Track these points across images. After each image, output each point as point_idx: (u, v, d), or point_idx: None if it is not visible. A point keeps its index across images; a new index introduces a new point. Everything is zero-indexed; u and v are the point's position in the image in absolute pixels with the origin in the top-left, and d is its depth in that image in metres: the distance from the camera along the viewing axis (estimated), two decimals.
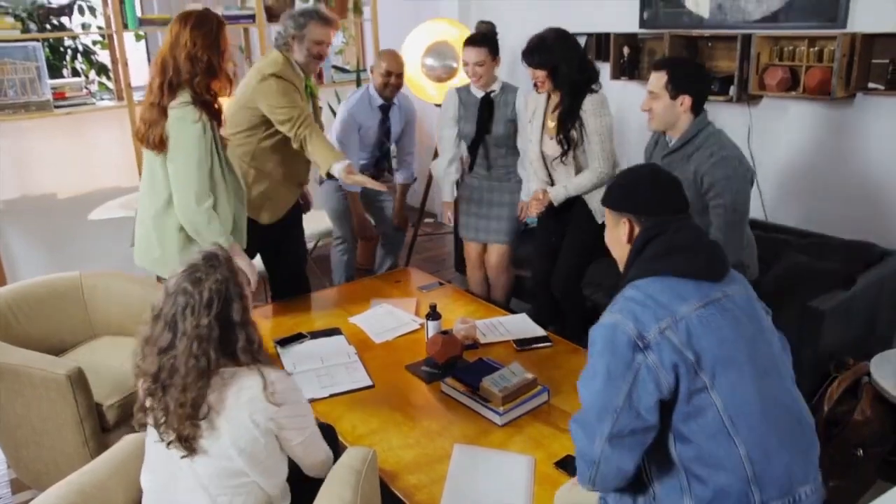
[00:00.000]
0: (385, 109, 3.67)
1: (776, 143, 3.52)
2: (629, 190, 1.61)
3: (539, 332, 2.75)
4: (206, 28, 2.34)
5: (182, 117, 2.33)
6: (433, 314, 2.61)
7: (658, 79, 2.45)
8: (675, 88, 2.41)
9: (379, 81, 3.59)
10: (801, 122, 3.42)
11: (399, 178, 3.95)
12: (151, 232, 2.50)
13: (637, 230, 1.56)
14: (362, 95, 3.65)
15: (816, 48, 3.21)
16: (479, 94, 3.23)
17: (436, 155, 4.44)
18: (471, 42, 3.18)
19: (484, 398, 2.24)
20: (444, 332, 2.55)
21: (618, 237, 1.61)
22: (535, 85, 2.95)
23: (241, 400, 1.54)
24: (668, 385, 1.39)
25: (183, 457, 1.55)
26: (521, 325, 2.82)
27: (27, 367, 2.30)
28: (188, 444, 1.53)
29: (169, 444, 1.55)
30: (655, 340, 1.39)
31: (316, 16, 2.95)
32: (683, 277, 1.47)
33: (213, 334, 1.53)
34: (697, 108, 2.47)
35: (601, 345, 1.45)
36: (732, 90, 3.43)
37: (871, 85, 3.14)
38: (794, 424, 1.47)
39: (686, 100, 2.41)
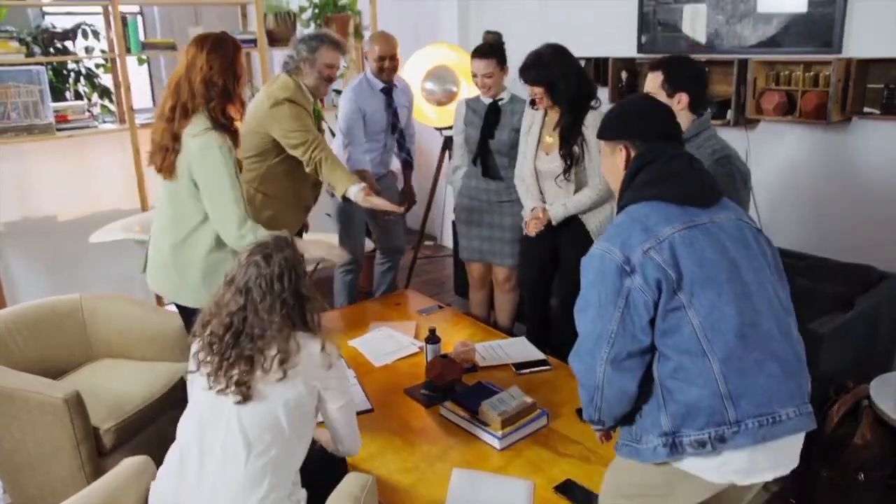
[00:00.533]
0: (388, 92, 3.62)
1: (773, 167, 3.55)
2: (624, 118, 1.68)
3: (538, 355, 2.75)
4: (222, 52, 2.30)
5: (207, 145, 2.26)
6: (432, 338, 2.61)
7: (654, 79, 2.40)
8: (671, 87, 2.35)
9: (374, 66, 3.55)
10: (797, 145, 3.45)
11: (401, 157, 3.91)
12: (168, 259, 2.42)
13: (633, 154, 1.62)
14: (360, 83, 3.59)
15: (812, 73, 3.24)
16: (487, 100, 3.25)
17: (436, 180, 4.47)
18: (478, 54, 3.18)
19: (483, 422, 2.24)
20: (444, 356, 2.55)
21: (615, 165, 1.67)
22: (533, 101, 2.96)
23: (301, 360, 1.72)
24: (654, 303, 1.46)
25: (237, 402, 1.69)
26: (521, 348, 2.82)
27: (24, 391, 2.29)
28: (246, 389, 1.69)
29: (220, 391, 1.70)
30: (640, 261, 1.46)
31: (327, 40, 2.99)
32: (672, 203, 1.53)
33: (287, 301, 1.73)
34: (695, 106, 2.39)
35: (592, 275, 1.52)
36: (730, 114, 3.46)
37: (866, 109, 3.17)
38: (780, 347, 1.48)
39: (683, 98, 2.36)
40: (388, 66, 3.55)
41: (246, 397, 1.69)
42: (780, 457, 1.49)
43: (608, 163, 1.70)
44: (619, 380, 1.49)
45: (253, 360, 1.70)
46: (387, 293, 3.82)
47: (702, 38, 3.74)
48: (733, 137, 3.63)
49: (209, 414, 1.74)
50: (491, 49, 3.20)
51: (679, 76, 2.37)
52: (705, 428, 1.43)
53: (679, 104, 2.37)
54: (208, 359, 1.74)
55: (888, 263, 3.05)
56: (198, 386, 1.78)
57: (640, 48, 4.02)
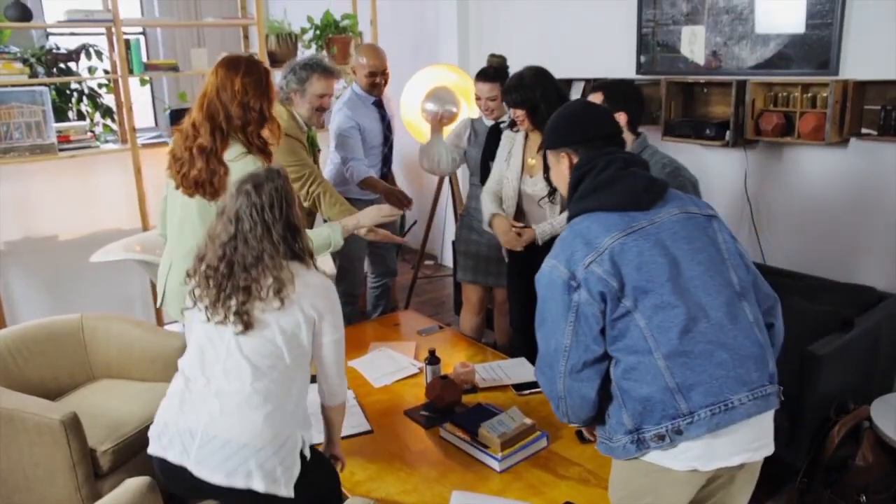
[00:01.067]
0: (379, 105, 3.62)
1: (772, 187, 3.56)
2: (562, 126, 1.75)
3: None
4: (256, 76, 2.30)
5: (247, 169, 2.19)
6: (432, 359, 2.61)
7: (594, 99, 2.49)
8: (611, 106, 2.39)
9: (365, 82, 3.50)
10: (796, 166, 3.46)
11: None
12: None
13: (575, 161, 1.70)
14: (351, 100, 3.54)
15: (810, 94, 3.26)
16: (489, 122, 3.27)
17: (437, 199, 4.48)
18: (484, 77, 3.19)
19: (483, 444, 2.23)
20: (443, 377, 2.54)
21: (561, 173, 1.75)
22: (513, 123, 2.96)
23: (297, 288, 1.77)
24: (602, 313, 1.53)
25: (237, 332, 1.75)
26: (520, 368, 2.81)
27: (21, 412, 2.29)
28: (245, 318, 1.74)
29: (220, 322, 1.76)
30: (584, 276, 1.52)
31: (318, 68, 2.92)
32: (611, 211, 1.58)
33: (278, 230, 1.76)
34: (633, 126, 2.52)
35: (543, 291, 1.61)
36: (728, 135, 3.47)
37: (864, 130, 3.19)
38: (729, 335, 1.52)
39: (622, 117, 2.42)
40: (379, 80, 3.52)
41: (247, 326, 1.74)
42: (740, 441, 1.52)
43: (556, 172, 1.78)
44: (579, 389, 1.57)
45: (250, 290, 1.74)
46: (381, 315, 3.80)
47: (700, 60, 3.77)
48: (732, 158, 3.66)
49: (208, 344, 1.80)
50: (496, 72, 3.21)
51: (618, 97, 2.50)
52: (662, 422, 1.49)
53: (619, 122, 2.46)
54: (205, 292, 1.78)
55: (887, 284, 3.06)
56: (196, 320, 1.84)
57: (640, 69, 4.05)
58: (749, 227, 3.64)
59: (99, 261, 3.36)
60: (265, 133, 2.34)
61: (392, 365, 2.85)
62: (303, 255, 1.83)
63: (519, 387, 2.67)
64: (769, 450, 1.59)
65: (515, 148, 3.02)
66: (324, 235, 2.54)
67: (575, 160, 1.70)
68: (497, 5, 4.92)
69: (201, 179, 2.25)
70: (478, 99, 3.24)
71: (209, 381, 1.77)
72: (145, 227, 4.01)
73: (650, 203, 1.59)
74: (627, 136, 2.48)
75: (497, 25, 4.95)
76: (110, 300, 4.08)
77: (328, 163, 3.68)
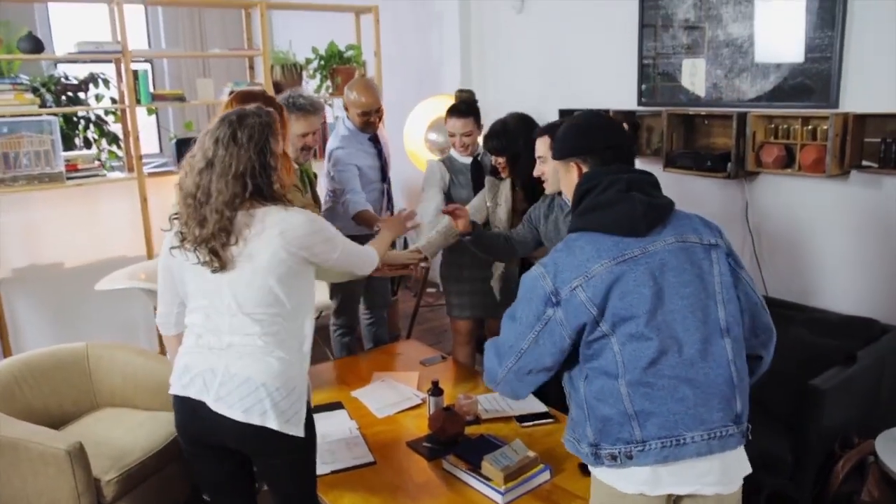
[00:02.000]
0: (375, 140, 3.52)
1: (774, 219, 3.58)
2: (573, 136, 1.77)
3: (541, 407, 2.74)
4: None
5: None
6: (435, 390, 2.61)
7: (542, 143, 2.45)
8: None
9: (359, 121, 3.38)
10: (797, 198, 3.48)
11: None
12: None
13: (584, 171, 1.73)
14: (346, 139, 3.40)
15: (810, 127, 3.30)
16: (467, 160, 3.22)
17: None
18: (457, 113, 3.14)
19: (485, 477, 2.23)
20: (447, 409, 2.54)
21: (571, 182, 1.77)
22: (495, 170, 2.92)
23: (273, 231, 1.77)
24: (570, 337, 1.58)
25: (214, 271, 1.77)
26: (523, 400, 2.81)
27: (26, 441, 2.30)
28: (218, 257, 1.75)
29: (203, 263, 1.77)
30: (567, 297, 1.56)
31: (294, 109, 2.77)
32: (606, 233, 1.60)
33: (251, 165, 1.75)
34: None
35: (523, 292, 1.65)
36: (730, 167, 3.50)
37: (864, 163, 3.21)
38: (699, 372, 1.54)
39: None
40: (373, 119, 3.40)
41: (223, 264, 1.76)
42: (689, 474, 1.55)
43: (566, 181, 1.81)
44: (516, 387, 1.69)
45: (225, 229, 1.74)
46: (375, 347, 3.75)
47: (701, 92, 3.82)
48: (733, 190, 3.69)
49: (209, 304, 1.84)
50: (468, 108, 3.16)
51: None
52: (616, 444, 1.55)
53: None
54: (188, 225, 1.78)
55: (890, 316, 3.06)
56: (186, 265, 1.84)
57: (641, 101, 4.10)
58: (751, 258, 3.66)
59: (104, 289, 3.38)
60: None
61: (395, 395, 2.85)
62: (278, 194, 1.83)
63: (521, 418, 2.67)
64: (724, 488, 1.59)
65: (502, 196, 2.98)
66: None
67: (585, 170, 1.73)
68: (499, 36, 4.99)
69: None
70: (451, 136, 3.18)
71: (219, 337, 1.84)
72: (150, 255, 4.04)
73: (648, 229, 1.60)
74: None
75: (499, 56, 5.02)
76: (114, 327, 4.09)
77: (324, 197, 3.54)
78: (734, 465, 1.60)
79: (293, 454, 1.89)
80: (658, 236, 1.60)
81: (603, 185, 1.64)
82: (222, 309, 1.82)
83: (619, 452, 1.54)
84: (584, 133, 1.76)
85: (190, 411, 1.86)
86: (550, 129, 2.47)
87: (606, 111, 4.11)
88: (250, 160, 1.76)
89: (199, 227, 1.76)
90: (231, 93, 2.43)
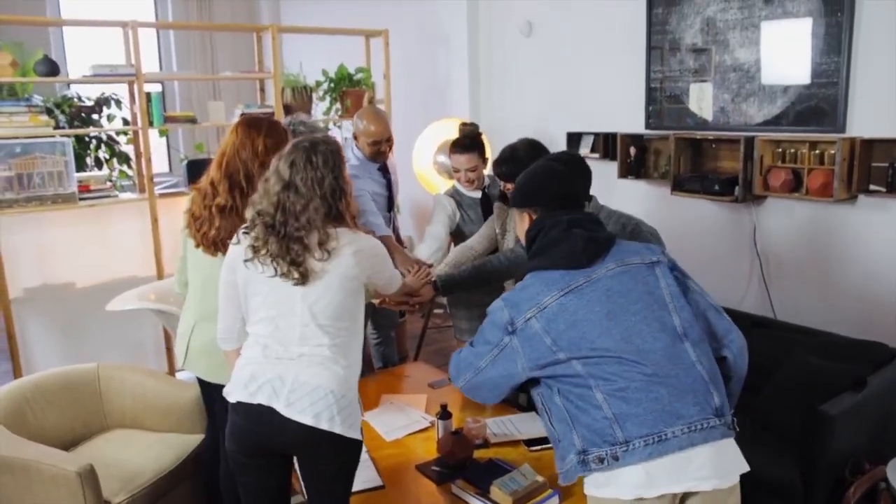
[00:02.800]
0: (384, 169, 3.51)
1: (782, 242, 3.59)
2: (525, 188, 1.93)
3: None
4: (276, 137, 2.35)
5: None
6: (444, 413, 2.61)
7: None
8: None
9: (369, 150, 3.36)
10: (805, 221, 3.49)
11: None
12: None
13: (534, 217, 1.88)
14: (355, 168, 3.32)
15: (818, 151, 3.32)
16: (475, 194, 3.22)
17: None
18: (461, 148, 3.13)
19: (494, 501, 2.22)
20: (455, 433, 2.54)
21: (524, 228, 1.93)
22: (504, 195, 2.90)
23: (347, 250, 1.93)
24: (525, 365, 1.73)
25: (295, 283, 1.88)
26: (531, 423, 2.80)
27: (37, 463, 2.31)
28: (300, 271, 1.87)
29: (282, 274, 1.88)
30: (521, 327, 1.73)
31: (294, 137, 2.80)
32: (553, 269, 1.75)
33: (330, 188, 1.91)
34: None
35: (488, 319, 1.83)
36: (737, 191, 3.52)
37: (872, 187, 3.23)
38: (667, 373, 1.64)
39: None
40: (384, 148, 3.38)
41: (304, 276, 1.88)
42: (679, 471, 1.60)
43: (520, 227, 1.96)
44: (480, 394, 1.89)
45: (302, 240, 1.87)
46: (384, 368, 3.74)
47: (708, 116, 3.84)
48: (741, 213, 3.70)
49: (279, 315, 1.93)
50: (472, 142, 3.15)
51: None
52: (602, 446, 1.62)
53: None
54: (267, 241, 1.90)
55: None
56: (260, 277, 1.94)
57: (648, 124, 4.13)
58: (759, 281, 3.66)
59: (114, 310, 3.40)
60: None
61: (404, 418, 2.85)
62: (348, 218, 1.97)
63: (530, 442, 2.67)
64: (721, 482, 1.64)
65: (511, 223, 2.99)
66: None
67: (534, 217, 1.89)
68: (507, 59, 5.04)
69: (220, 238, 2.28)
70: (456, 171, 3.16)
71: (287, 348, 1.92)
72: (160, 276, 4.07)
73: (590, 261, 1.75)
74: None
75: (507, 79, 5.07)
76: (124, 347, 4.12)
77: None
78: (726, 459, 1.65)
79: (346, 458, 1.98)
80: (601, 265, 1.75)
81: (547, 226, 1.81)
82: (294, 320, 1.92)
83: (606, 454, 1.62)
84: (536, 187, 1.92)
85: (256, 417, 1.91)
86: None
87: (614, 135, 4.15)
88: (330, 183, 1.91)
89: (279, 242, 1.89)
90: (242, 115, 2.46)
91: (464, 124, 3.32)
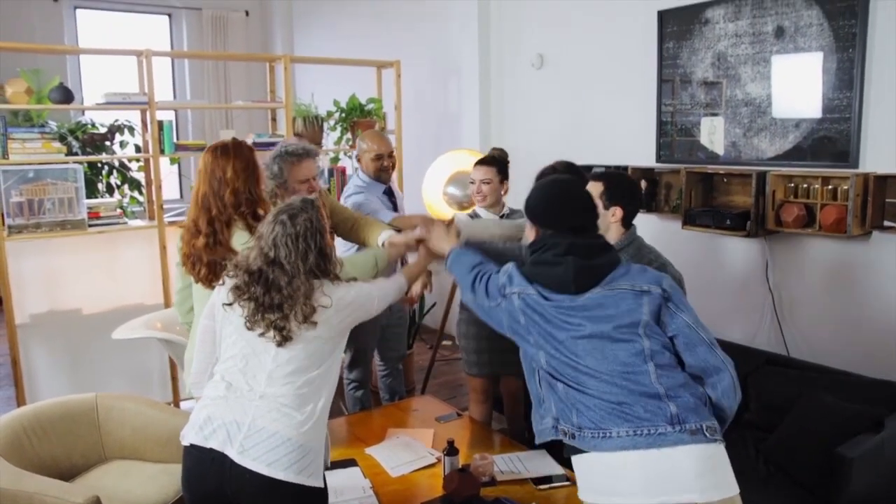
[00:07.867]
0: (390, 193, 3.54)
1: (795, 278, 3.54)
2: (538, 207, 2.01)
3: (557, 470, 2.68)
4: (243, 159, 2.34)
5: None
6: (451, 449, 2.56)
7: (594, 188, 2.48)
8: (608, 199, 2.47)
9: (373, 167, 3.42)
10: (818, 257, 3.45)
11: None
12: None
13: (541, 233, 1.99)
14: (366, 193, 3.39)
15: (830, 186, 3.28)
16: (491, 215, 3.21)
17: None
18: (481, 161, 3.26)
19: None
20: (462, 469, 2.49)
21: (528, 238, 2.05)
22: None
23: (329, 307, 1.93)
24: (507, 325, 1.93)
25: (279, 344, 1.88)
26: (539, 462, 2.75)
27: (42, 495, 2.26)
28: (284, 333, 1.87)
29: (261, 334, 1.89)
30: (508, 296, 1.92)
31: (288, 157, 2.74)
32: (543, 286, 1.88)
33: (312, 258, 1.93)
34: (627, 221, 2.52)
35: (498, 274, 1.99)
36: (749, 225, 3.48)
37: (886, 223, 3.19)
38: (622, 384, 1.75)
39: (618, 211, 2.47)
40: (387, 164, 3.47)
41: (286, 339, 1.87)
42: (670, 480, 1.66)
43: (528, 235, 2.06)
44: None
45: (283, 308, 1.87)
46: (390, 401, 3.71)
47: (720, 150, 3.82)
48: (753, 248, 3.66)
49: (252, 353, 1.92)
50: (493, 160, 3.26)
51: (617, 191, 2.51)
52: (565, 424, 1.79)
53: (613, 217, 2.51)
54: (245, 298, 1.91)
55: None
56: (236, 320, 1.94)
57: (659, 157, 4.11)
58: (771, 317, 3.61)
59: (120, 338, 3.38)
60: (260, 211, 2.34)
61: (410, 454, 2.80)
62: (332, 273, 1.98)
63: (538, 481, 2.61)
64: (717, 493, 1.67)
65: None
66: (369, 256, 2.60)
67: (541, 233, 1.98)
68: (519, 91, 5.05)
69: (212, 273, 2.31)
70: (472, 183, 3.24)
71: (252, 388, 1.89)
72: (167, 304, 4.05)
73: (578, 290, 1.84)
74: (618, 230, 2.49)
75: (518, 111, 5.08)
76: (130, 374, 4.09)
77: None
78: (719, 471, 1.70)
79: None
80: (586, 295, 1.84)
81: (547, 246, 1.91)
82: (266, 357, 1.90)
83: (567, 431, 1.79)
84: (550, 210, 1.98)
85: (208, 462, 1.85)
86: (604, 177, 2.55)
87: (625, 168, 4.13)
88: (309, 254, 1.93)
89: (260, 307, 1.90)
90: (215, 145, 2.43)
91: (494, 148, 3.43)
